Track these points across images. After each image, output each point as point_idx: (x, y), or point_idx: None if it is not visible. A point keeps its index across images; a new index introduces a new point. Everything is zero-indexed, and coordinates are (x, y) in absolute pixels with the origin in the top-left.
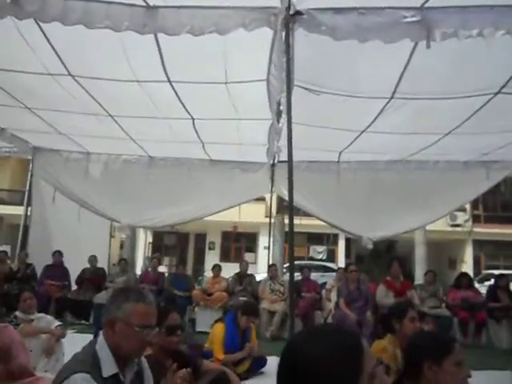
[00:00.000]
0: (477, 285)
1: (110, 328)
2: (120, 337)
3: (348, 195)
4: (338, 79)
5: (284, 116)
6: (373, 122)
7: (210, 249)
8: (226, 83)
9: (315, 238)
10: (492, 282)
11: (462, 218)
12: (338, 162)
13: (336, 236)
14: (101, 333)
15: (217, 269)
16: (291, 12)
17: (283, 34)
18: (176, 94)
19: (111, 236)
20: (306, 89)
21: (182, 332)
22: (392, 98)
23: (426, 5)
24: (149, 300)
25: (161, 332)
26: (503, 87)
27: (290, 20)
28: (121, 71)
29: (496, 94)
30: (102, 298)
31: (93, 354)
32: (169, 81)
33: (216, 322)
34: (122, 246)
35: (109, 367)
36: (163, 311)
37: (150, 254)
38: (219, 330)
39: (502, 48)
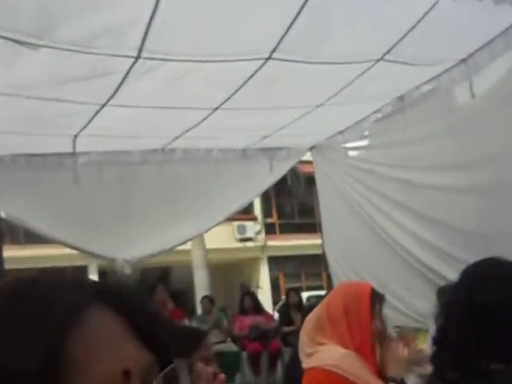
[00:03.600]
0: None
1: None
2: None
3: (91, 201)
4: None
5: None
6: (116, 90)
7: None
8: None
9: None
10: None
11: (252, 229)
12: (74, 153)
13: (84, 269)
14: None
15: None
16: None
17: None
18: None
19: None
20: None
21: None
22: (138, 57)
23: None
24: None
25: None
26: (274, 51)
27: None
28: None
29: (267, 59)
30: None
31: None
32: None
33: None
34: None
35: None
36: None
37: None
38: None
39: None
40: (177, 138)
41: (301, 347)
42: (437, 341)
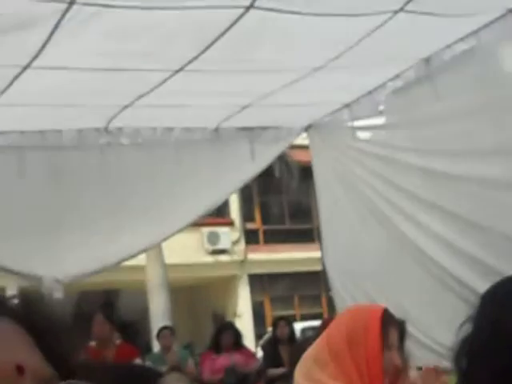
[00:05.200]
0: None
1: None
2: None
3: (9, 198)
4: None
5: None
6: (43, 47)
7: None
8: None
9: None
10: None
11: (227, 237)
12: None
13: (1, 291)
14: None
15: None
16: None
17: None
18: None
19: None
20: None
21: None
22: (73, 3)
23: None
24: None
25: None
26: None
27: None
28: None
29: (248, 7)
30: None
31: None
32: None
33: None
34: None
35: None
36: None
37: None
38: None
39: None
40: (126, 107)
41: None
42: None
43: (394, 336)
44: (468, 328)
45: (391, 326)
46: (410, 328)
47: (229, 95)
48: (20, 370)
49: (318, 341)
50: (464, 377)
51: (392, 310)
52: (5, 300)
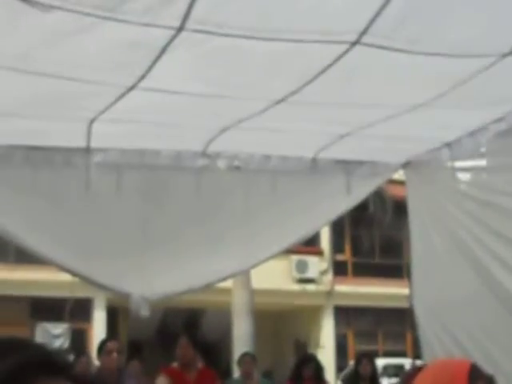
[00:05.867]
0: None
1: None
2: None
3: (104, 214)
4: None
5: None
6: (149, 70)
7: None
8: None
9: (46, 309)
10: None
11: (316, 267)
12: (88, 148)
13: (88, 303)
14: None
15: None
16: None
17: None
18: None
19: None
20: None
21: None
22: (181, 28)
23: None
24: None
25: None
26: (364, 33)
27: None
28: None
29: (354, 43)
30: None
31: None
32: None
33: None
34: None
35: None
36: None
37: None
38: None
39: None
40: (224, 130)
41: None
42: None
43: None
44: None
45: (479, 381)
46: (501, 381)
47: (327, 124)
48: None
49: None
50: None
51: (482, 361)
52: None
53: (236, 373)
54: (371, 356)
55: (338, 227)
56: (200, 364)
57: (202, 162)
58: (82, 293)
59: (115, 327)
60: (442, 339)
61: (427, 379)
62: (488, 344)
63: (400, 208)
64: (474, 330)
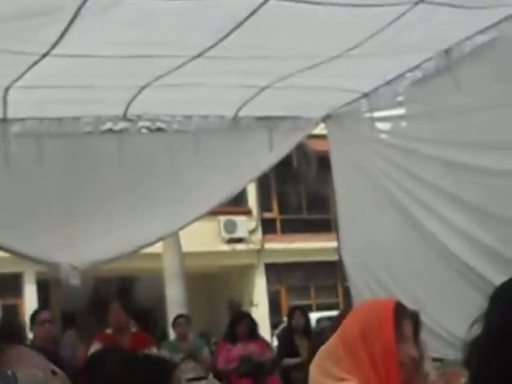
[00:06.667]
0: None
1: None
2: None
3: (26, 185)
4: None
5: None
6: (62, 35)
7: None
8: None
9: None
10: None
11: (244, 226)
12: (5, 119)
13: (18, 278)
14: None
15: None
16: None
17: None
18: None
19: None
20: None
21: None
22: None
23: None
24: None
25: None
26: None
27: None
28: None
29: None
30: None
31: None
32: None
33: None
34: None
35: None
36: None
37: None
38: None
39: None
40: (143, 88)
41: None
42: None
43: (408, 328)
44: (479, 327)
45: (405, 318)
46: (425, 319)
47: (246, 77)
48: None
49: (333, 336)
50: (474, 376)
51: (408, 302)
52: None
53: (172, 336)
54: (303, 309)
55: (264, 185)
56: (133, 329)
57: (122, 125)
58: (10, 268)
59: (47, 300)
60: (371, 287)
61: (355, 319)
62: (415, 286)
63: (324, 162)
64: (401, 275)
